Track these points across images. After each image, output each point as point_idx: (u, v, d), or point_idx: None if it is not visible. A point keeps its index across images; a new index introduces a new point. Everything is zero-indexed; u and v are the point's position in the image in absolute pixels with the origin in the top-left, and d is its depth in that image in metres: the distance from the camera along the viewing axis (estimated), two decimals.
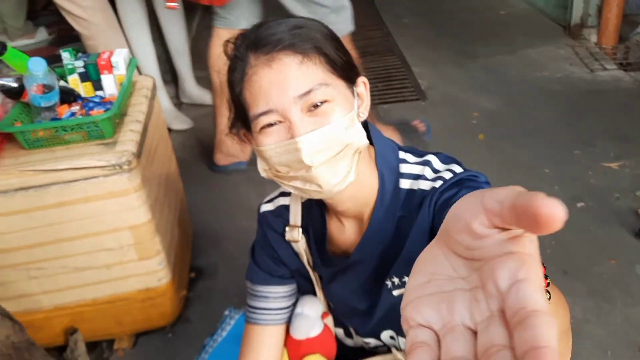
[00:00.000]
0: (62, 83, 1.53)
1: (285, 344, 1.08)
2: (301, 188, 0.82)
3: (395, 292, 0.90)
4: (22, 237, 1.48)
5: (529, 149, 2.44)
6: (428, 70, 3.17)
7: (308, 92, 0.77)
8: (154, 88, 1.79)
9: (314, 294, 1.06)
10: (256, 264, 1.04)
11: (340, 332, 1.10)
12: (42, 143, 1.46)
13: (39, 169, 1.40)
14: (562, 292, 0.70)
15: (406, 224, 0.86)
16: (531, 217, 0.28)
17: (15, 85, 1.48)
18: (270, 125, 0.79)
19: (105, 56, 1.59)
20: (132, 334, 1.78)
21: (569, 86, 2.87)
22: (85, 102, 1.56)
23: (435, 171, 0.86)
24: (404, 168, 0.89)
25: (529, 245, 0.31)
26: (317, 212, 0.97)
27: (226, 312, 1.54)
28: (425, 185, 0.85)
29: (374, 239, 0.89)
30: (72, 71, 1.57)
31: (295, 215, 0.98)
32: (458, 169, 0.85)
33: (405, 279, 0.89)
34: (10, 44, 1.51)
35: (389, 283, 0.90)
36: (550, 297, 0.64)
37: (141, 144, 1.51)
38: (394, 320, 0.95)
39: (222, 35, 2.16)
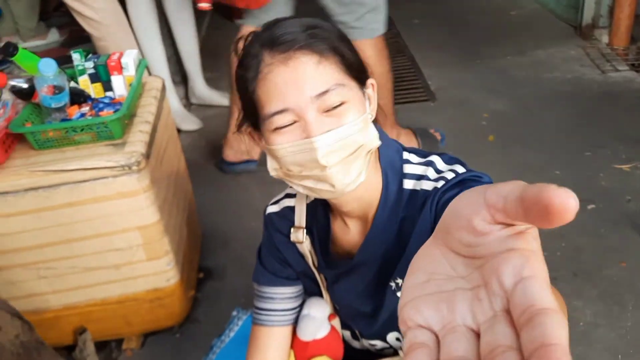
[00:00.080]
0: (72, 84, 1.54)
1: (292, 346, 1.07)
2: (312, 187, 0.82)
3: (400, 294, 0.90)
4: (32, 237, 1.49)
5: (539, 150, 2.42)
6: (438, 71, 3.16)
7: (325, 92, 0.77)
8: (164, 89, 1.79)
9: (321, 295, 1.06)
10: (262, 265, 1.04)
11: (347, 334, 1.10)
12: (52, 143, 1.47)
13: (49, 170, 1.41)
14: (572, 295, 0.70)
15: (409, 225, 0.85)
16: (542, 208, 0.27)
17: (26, 86, 1.49)
18: (285, 126, 0.79)
19: (115, 57, 1.60)
20: (140, 334, 1.79)
21: (580, 87, 2.85)
22: (95, 103, 1.57)
23: (438, 171, 0.86)
24: (408, 168, 0.89)
25: (532, 241, 0.30)
26: (321, 213, 0.97)
27: (234, 313, 1.54)
28: (427, 185, 0.85)
29: (377, 239, 0.89)
30: (82, 72, 1.58)
31: (300, 217, 0.98)
32: (461, 169, 0.84)
33: None
34: (22, 45, 1.52)
35: (392, 285, 0.90)
36: None
37: (150, 144, 1.52)
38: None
39: None
